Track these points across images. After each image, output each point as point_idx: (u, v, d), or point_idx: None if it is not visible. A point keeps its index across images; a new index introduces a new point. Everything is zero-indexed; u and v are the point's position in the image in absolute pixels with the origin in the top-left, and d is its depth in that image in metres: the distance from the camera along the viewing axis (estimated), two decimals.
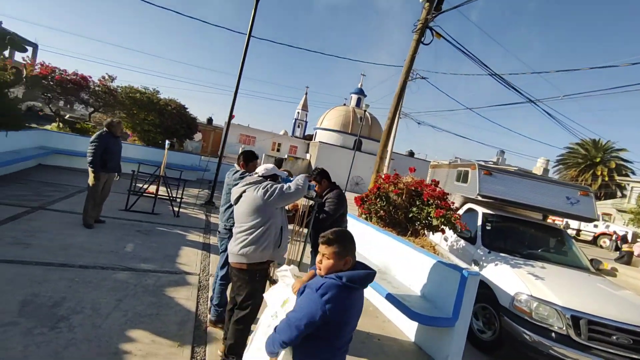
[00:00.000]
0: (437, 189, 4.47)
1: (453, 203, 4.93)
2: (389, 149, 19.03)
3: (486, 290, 4.16)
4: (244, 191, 2.44)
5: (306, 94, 39.86)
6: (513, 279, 3.87)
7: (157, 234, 5.22)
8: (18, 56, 10.02)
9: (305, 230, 3.20)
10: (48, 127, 9.42)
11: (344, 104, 32.12)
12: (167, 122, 10.06)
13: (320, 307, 1.42)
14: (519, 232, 5.29)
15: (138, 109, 9.55)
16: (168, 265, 4.13)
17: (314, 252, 3.26)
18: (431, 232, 4.85)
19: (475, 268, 4.53)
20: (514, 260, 4.26)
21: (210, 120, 28.92)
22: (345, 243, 1.59)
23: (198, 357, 2.57)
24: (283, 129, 38.12)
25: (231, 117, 8.43)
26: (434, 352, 3.34)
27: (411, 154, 33.18)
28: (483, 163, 6.42)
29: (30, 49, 18.54)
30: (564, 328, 3.37)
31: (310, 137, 34.15)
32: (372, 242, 4.68)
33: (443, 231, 4.49)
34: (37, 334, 2.40)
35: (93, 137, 4.93)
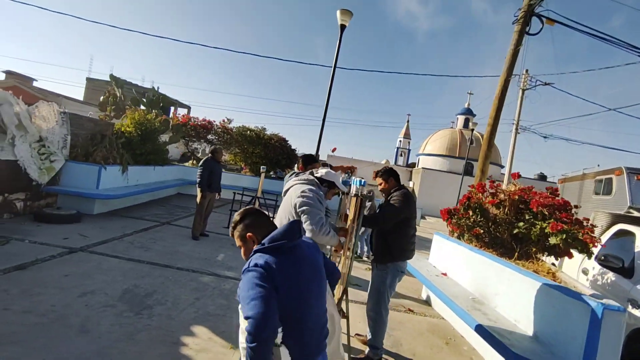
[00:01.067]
0: (554, 198, 3.40)
1: (587, 220, 3.64)
2: (506, 170, 16.27)
3: None
4: (293, 186, 2.36)
5: (408, 121, 38.91)
6: None
7: None
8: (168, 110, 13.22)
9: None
10: (186, 163, 11.83)
11: (451, 127, 29.79)
12: (271, 153, 11.28)
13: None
14: None
15: (248, 144, 11.10)
16: None
17: (376, 259, 2.84)
18: (552, 257, 3.66)
19: (635, 312, 3.14)
20: None
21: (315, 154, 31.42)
22: (241, 221, 1.39)
23: None
24: (385, 158, 37.76)
25: (321, 148, 8.78)
26: None
27: (542, 177, 27.49)
28: None
29: (185, 109, 24.33)
30: None
31: (414, 165, 32.62)
32: (465, 265, 3.85)
33: (569, 255, 3.31)
34: (124, 316, 2.77)
35: (201, 162, 5.85)
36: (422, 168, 25.19)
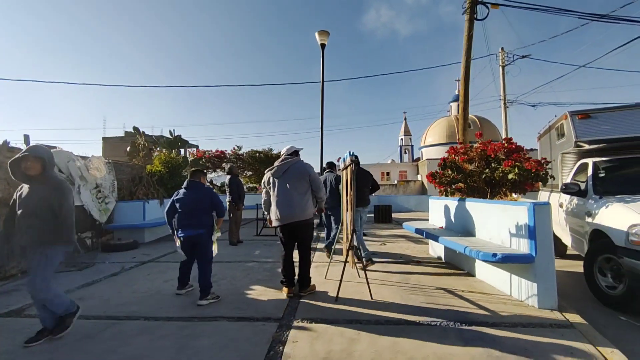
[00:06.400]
0: (508, 145, 4.31)
1: (544, 159, 4.51)
2: None
3: (605, 239, 3.62)
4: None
5: (405, 119, 39.92)
6: (625, 213, 3.32)
7: (277, 245, 6.56)
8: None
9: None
10: None
11: (448, 115, 30.63)
12: None
13: None
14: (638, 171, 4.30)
15: (259, 164, 12.29)
16: None
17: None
18: (519, 193, 4.52)
19: (589, 219, 3.97)
20: (630, 198, 3.60)
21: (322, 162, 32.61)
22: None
23: (290, 295, 3.42)
24: (390, 158, 38.60)
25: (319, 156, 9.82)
26: (521, 293, 3.21)
27: None
28: None
29: (194, 149, 25.84)
30: None
31: (419, 160, 33.34)
32: (453, 215, 4.74)
33: (529, 186, 4.18)
34: None
35: (227, 182, 6.96)
36: (427, 160, 25.89)
